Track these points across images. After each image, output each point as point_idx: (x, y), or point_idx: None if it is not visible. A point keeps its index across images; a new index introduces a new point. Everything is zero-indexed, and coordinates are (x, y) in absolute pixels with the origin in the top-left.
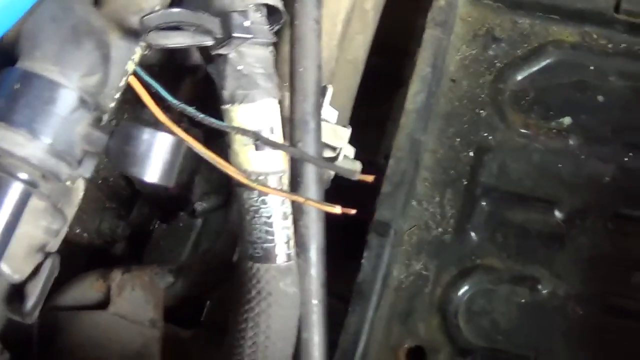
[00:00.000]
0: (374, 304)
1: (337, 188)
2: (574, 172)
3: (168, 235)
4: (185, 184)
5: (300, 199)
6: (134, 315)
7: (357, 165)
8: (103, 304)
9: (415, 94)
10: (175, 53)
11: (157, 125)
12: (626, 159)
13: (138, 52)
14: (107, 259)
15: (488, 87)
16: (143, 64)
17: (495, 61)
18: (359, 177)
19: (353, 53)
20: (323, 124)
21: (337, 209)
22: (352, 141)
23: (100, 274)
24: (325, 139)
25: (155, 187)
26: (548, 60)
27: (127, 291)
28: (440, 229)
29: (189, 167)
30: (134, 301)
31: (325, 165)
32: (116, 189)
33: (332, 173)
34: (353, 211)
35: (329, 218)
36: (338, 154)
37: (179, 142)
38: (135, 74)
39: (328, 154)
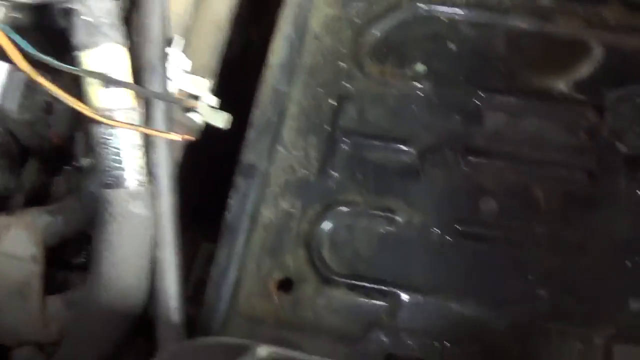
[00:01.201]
0: (242, 240)
1: None
2: (427, 113)
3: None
4: (68, 138)
5: (141, 129)
6: (16, 252)
7: (225, 116)
8: None
9: (277, 51)
10: (43, 16)
11: None
12: (475, 99)
13: (1, 10)
14: None
15: (348, 42)
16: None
17: (355, 18)
18: (184, 137)
19: (215, 13)
20: (181, 73)
21: (177, 137)
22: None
23: None
24: (184, 87)
25: (36, 140)
26: (403, 15)
27: (10, 231)
28: (305, 171)
29: (67, 121)
30: (16, 239)
31: (169, 99)
32: (6, 146)
33: (202, 123)
34: (192, 138)
35: None
36: (197, 100)
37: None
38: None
39: (193, 100)
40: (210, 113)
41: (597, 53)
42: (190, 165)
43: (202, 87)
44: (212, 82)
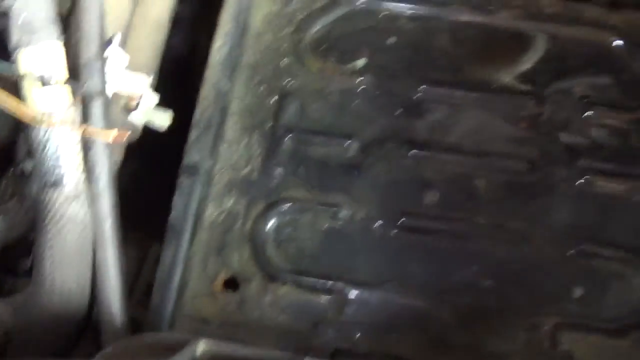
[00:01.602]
0: (187, 240)
1: None
2: (369, 107)
3: None
4: (8, 143)
5: (79, 129)
6: None
7: (167, 114)
8: None
9: (218, 48)
10: None
11: None
12: (417, 92)
13: None
14: None
15: (289, 38)
16: None
17: (296, 14)
18: (121, 134)
19: (155, 10)
20: (120, 71)
21: (110, 135)
22: None
23: None
24: (123, 85)
25: None
26: (343, 10)
27: None
28: (249, 168)
29: (9, 124)
30: None
31: (107, 97)
32: None
33: (142, 124)
34: (125, 135)
35: None
36: (139, 101)
37: None
38: None
39: (134, 101)
40: (151, 112)
41: (539, 44)
42: (138, 166)
43: (142, 85)
44: (152, 79)
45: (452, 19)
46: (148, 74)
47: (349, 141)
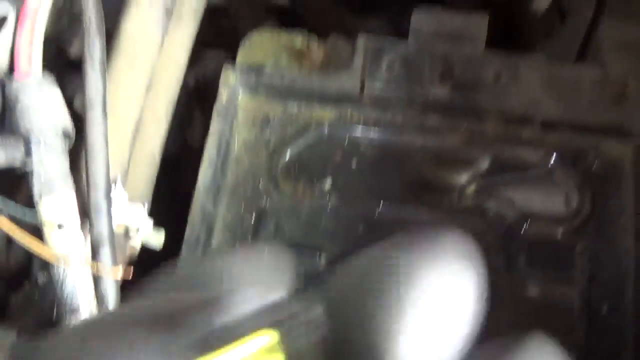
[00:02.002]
0: None
1: None
2: (334, 225)
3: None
4: (24, 259)
5: (94, 270)
6: None
7: (161, 235)
8: None
9: (204, 174)
10: None
11: None
12: (376, 211)
13: None
14: None
15: (264, 162)
16: None
17: (270, 141)
18: (127, 273)
19: (149, 146)
20: (121, 207)
21: (117, 273)
22: None
23: None
24: (123, 219)
25: None
26: (311, 137)
27: None
28: None
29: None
30: None
31: (115, 242)
32: None
33: (138, 247)
34: (130, 273)
35: None
36: (138, 230)
37: None
38: None
39: (132, 229)
40: (147, 237)
41: (482, 164)
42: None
43: (139, 215)
44: (147, 207)
45: (404, 143)
46: (144, 203)
47: (318, 254)
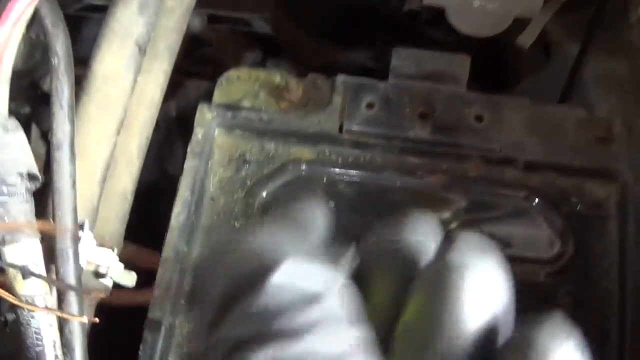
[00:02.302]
0: None
1: None
2: None
3: None
4: None
5: (57, 313)
6: None
7: (133, 276)
8: None
9: (177, 214)
10: None
11: None
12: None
13: None
14: None
15: (240, 202)
16: None
17: (247, 180)
18: (93, 294)
19: (120, 186)
20: (90, 249)
21: (84, 319)
22: None
23: None
24: (93, 259)
25: None
26: (289, 176)
27: None
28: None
29: None
30: None
31: (81, 291)
32: None
33: (110, 285)
34: (95, 320)
35: None
36: (107, 271)
37: None
38: None
39: (102, 270)
40: (118, 275)
41: (462, 205)
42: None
43: (109, 258)
44: (119, 248)
45: (383, 183)
46: (115, 243)
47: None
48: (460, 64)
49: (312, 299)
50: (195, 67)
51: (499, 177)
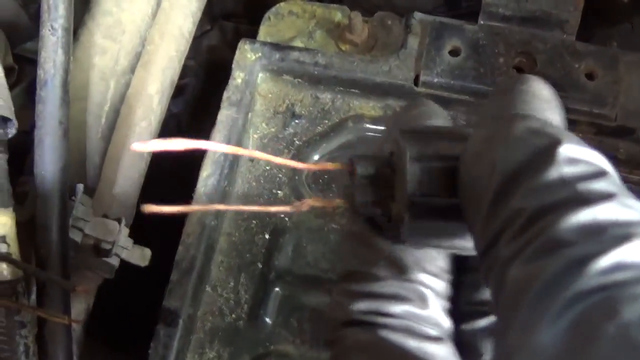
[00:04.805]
0: None
1: None
2: None
3: None
4: None
5: (30, 311)
6: None
7: (146, 253)
8: None
9: (206, 178)
10: None
11: None
12: None
13: None
14: None
15: (286, 167)
16: None
17: (295, 139)
18: (78, 289)
19: (136, 140)
20: (91, 220)
21: (66, 320)
22: None
23: None
24: (98, 234)
25: None
26: (348, 136)
27: None
28: (234, 315)
29: None
30: None
31: (58, 282)
32: None
33: (116, 264)
34: (79, 321)
35: None
36: (112, 247)
37: None
38: None
39: (105, 246)
40: (127, 252)
41: None
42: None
43: (114, 232)
44: (130, 218)
45: None
46: (123, 214)
47: None
48: (572, 5)
49: (601, 172)
50: (232, 5)
51: (612, 151)
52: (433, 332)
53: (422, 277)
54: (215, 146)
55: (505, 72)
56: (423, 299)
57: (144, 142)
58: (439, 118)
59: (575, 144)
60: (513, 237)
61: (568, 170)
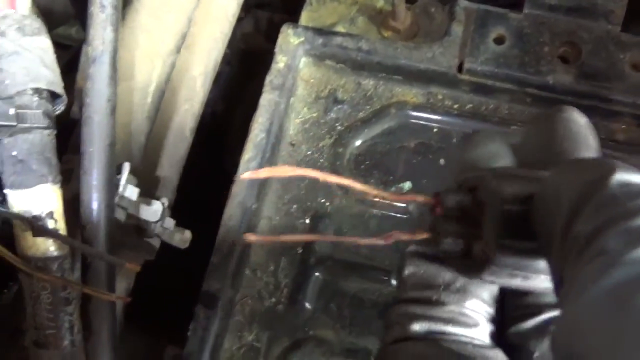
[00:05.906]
0: None
1: None
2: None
3: None
4: None
5: (77, 287)
6: None
7: (187, 235)
8: None
9: (247, 161)
10: None
11: None
12: None
13: None
14: None
15: (327, 151)
16: None
17: (336, 124)
18: (128, 266)
19: (178, 122)
20: (139, 200)
21: (113, 297)
22: None
23: None
24: (142, 214)
25: None
26: (391, 123)
27: None
28: (273, 299)
29: None
30: None
31: (107, 258)
32: None
33: (157, 245)
34: (125, 298)
35: None
36: (154, 228)
37: None
38: None
39: (148, 226)
40: (168, 234)
41: None
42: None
43: (157, 212)
44: (172, 199)
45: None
46: (166, 194)
47: (388, 277)
48: None
49: None
50: None
51: None
52: (488, 343)
53: (477, 304)
54: (321, 175)
55: (550, 62)
56: (477, 324)
57: (255, 172)
58: (507, 157)
59: (624, 171)
60: (573, 261)
61: (619, 192)
